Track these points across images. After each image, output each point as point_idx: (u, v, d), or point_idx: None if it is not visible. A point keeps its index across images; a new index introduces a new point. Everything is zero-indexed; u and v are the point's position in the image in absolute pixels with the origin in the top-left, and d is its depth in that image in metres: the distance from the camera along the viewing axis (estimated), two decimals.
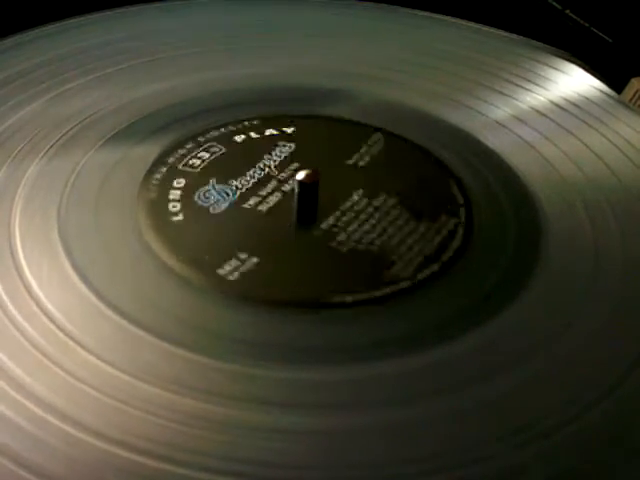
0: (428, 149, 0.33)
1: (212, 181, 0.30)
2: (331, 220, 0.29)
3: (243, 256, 0.27)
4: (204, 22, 0.41)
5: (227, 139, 0.32)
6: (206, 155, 0.31)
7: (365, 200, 0.30)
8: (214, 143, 0.32)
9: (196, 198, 0.29)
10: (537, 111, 0.36)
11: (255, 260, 0.27)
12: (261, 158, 0.31)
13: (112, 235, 0.28)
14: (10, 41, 0.38)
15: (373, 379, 0.24)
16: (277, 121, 0.33)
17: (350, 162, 0.32)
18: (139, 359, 0.24)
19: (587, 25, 0.42)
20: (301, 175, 0.28)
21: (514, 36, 0.42)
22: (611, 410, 0.23)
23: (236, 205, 0.29)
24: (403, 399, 0.23)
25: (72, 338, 0.24)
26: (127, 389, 0.23)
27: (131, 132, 0.33)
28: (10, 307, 0.25)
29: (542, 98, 0.37)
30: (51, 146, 0.32)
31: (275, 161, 0.31)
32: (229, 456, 0.22)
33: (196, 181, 0.30)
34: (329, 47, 0.39)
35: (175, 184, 0.30)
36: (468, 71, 0.38)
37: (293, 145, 0.32)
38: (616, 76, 0.38)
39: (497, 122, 0.35)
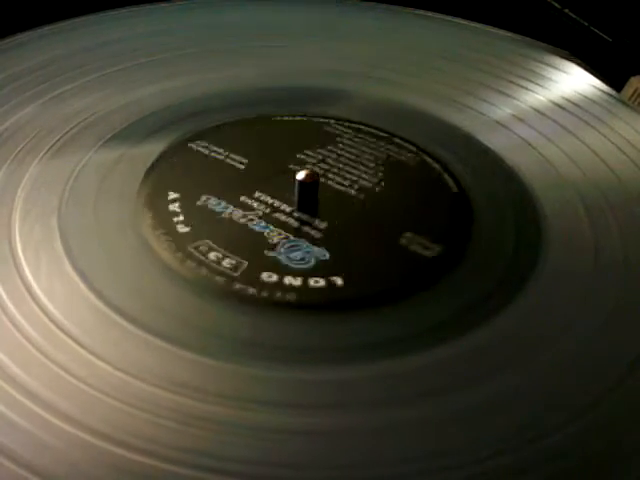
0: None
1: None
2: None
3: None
4: (204, 22, 0.41)
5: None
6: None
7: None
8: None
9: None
10: (537, 111, 0.36)
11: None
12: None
13: (112, 235, 0.28)
14: (10, 41, 0.38)
15: (374, 379, 0.24)
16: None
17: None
18: (139, 359, 0.24)
19: (586, 24, 0.42)
20: (301, 175, 0.28)
21: (514, 35, 0.42)
22: (611, 410, 0.23)
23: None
24: (403, 399, 0.24)
25: (72, 338, 0.24)
26: (127, 389, 0.23)
27: (131, 132, 0.33)
28: (10, 307, 0.25)
29: (542, 98, 0.37)
30: (51, 146, 0.32)
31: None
32: (228, 455, 0.22)
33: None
34: (329, 47, 0.39)
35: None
36: (468, 71, 0.38)
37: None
38: (615, 75, 0.38)
39: (497, 122, 0.35)
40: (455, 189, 0.31)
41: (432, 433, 0.23)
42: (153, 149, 0.32)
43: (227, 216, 0.29)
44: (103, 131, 0.33)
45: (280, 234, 0.28)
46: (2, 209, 0.29)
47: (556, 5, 0.43)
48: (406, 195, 0.30)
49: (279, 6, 0.43)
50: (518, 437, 0.22)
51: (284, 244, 0.28)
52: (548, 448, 0.22)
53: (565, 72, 0.39)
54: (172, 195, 0.29)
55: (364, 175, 0.31)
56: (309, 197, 0.29)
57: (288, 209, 0.29)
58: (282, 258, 0.27)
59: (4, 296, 0.26)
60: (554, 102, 0.37)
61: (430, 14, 0.43)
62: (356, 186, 0.30)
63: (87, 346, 0.24)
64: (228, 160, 0.31)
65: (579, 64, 0.40)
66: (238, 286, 0.26)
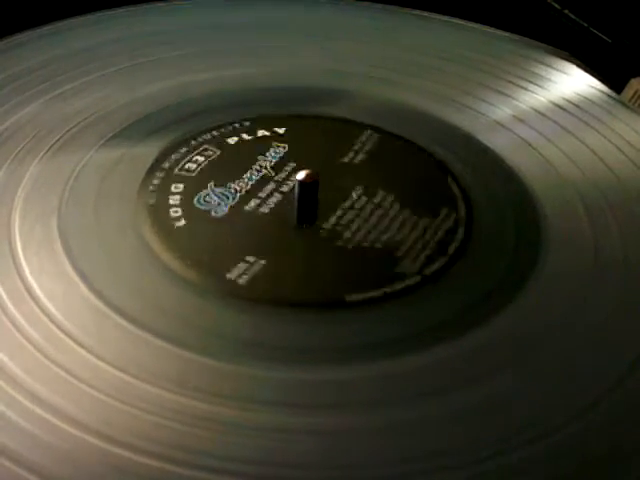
0: (428, 149, 0.33)
1: (210, 184, 0.30)
2: (333, 219, 0.29)
3: (247, 258, 0.27)
4: (203, 22, 0.41)
5: (221, 140, 0.32)
6: (201, 158, 0.31)
7: (364, 198, 0.30)
8: (208, 145, 0.32)
9: (195, 202, 0.29)
10: (537, 111, 0.36)
11: (262, 262, 0.27)
12: (256, 160, 0.31)
13: (112, 235, 0.28)
14: (10, 41, 0.38)
15: (374, 379, 0.24)
16: (268, 122, 0.33)
17: (345, 160, 0.32)
18: (139, 359, 0.24)
19: (586, 25, 0.42)
20: (301, 175, 0.28)
21: (514, 36, 0.42)
22: (611, 410, 0.23)
23: (237, 207, 0.29)
24: (403, 399, 0.24)
25: (72, 338, 0.24)
26: (127, 389, 0.23)
27: (131, 132, 0.33)
28: (10, 307, 0.25)
29: (542, 98, 0.37)
30: (51, 146, 0.32)
31: (271, 162, 0.31)
32: (230, 456, 0.22)
33: (194, 184, 0.30)
34: (329, 47, 0.39)
35: (173, 189, 0.30)
36: (468, 71, 0.38)
37: (287, 145, 0.32)
38: (615, 76, 0.38)
39: (497, 122, 0.35)
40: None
41: (432, 433, 0.23)
42: (153, 149, 0.32)
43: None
44: (103, 131, 0.33)
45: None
46: (2, 209, 0.29)
47: (556, 6, 0.43)
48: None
49: (279, 6, 0.43)
50: (518, 437, 0.22)
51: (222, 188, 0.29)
52: (548, 448, 0.22)
53: (565, 73, 0.39)
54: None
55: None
56: (309, 197, 0.29)
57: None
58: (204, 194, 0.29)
59: (4, 296, 0.26)
60: (554, 103, 0.37)
61: (430, 14, 0.43)
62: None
63: (87, 346, 0.24)
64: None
65: (579, 65, 0.40)
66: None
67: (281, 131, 0.33)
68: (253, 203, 0.29)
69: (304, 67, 0.38)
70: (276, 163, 0.31)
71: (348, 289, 0.26)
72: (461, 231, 0.29)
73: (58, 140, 0.32)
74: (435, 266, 0.27)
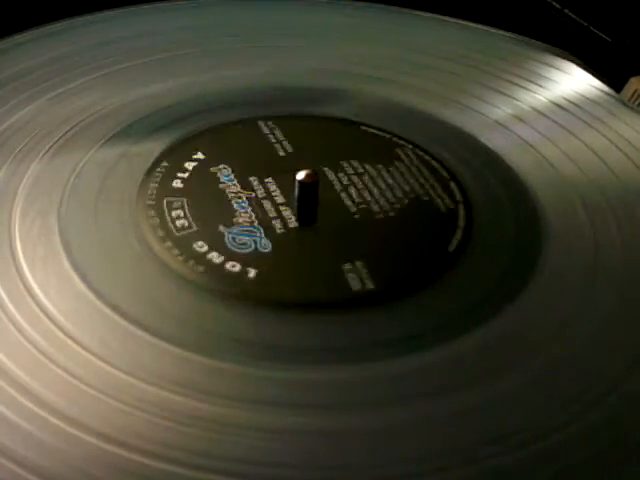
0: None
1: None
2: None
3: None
4: (203, 23, 0.41)
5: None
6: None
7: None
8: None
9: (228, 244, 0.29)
10: (537, 111, 0.36)
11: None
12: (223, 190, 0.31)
13: (112, 235, 0.28)
14: (10, 41, 0.38)
15: (373, 379, 0.24)
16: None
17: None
18: (139, 359, 0.24)
19: (586, 24, 0.42)
20: (301, 175, 0.28)
21: (514, 35, 0.42)
22: (611, 410, 0.23)
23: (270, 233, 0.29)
24: (403, 399, 0.24)
25: (72, 338, 0.24)
26: (127, 389, 0.23)
27: (131, 132, 0.33)
28: (10, 307, 0.25)
29: (542, 98, 0.37)
30: (51, 146, 0.32)
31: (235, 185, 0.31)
32: (229, 455, 0.22)
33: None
34: (329, 47, 0.39)
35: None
36: (468, 71, 0.38)
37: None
38: (615, 75, 0.38)
39: (497, 122, 0.35)
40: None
41: (432, 433, 0.23)
42: (153, 149, 0.32)
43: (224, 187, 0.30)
44: (103, 131, 0.33)
45: (250, 218, 0.29)
46: (2, 209, 0.29)
47: (556, 5, 0.43)
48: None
49: (279, 6, 0.43)
50: (518, 437, 0.22)
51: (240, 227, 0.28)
52: (548, 448, 0.22)
53: (565, 72, 0.39)
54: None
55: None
56: (309, 197, 0.29)
57: (281, 200, 0.29)
58: (228, 237, 0.28)
59: (4, 296, 0.26)
60: (554, 102, 0.37)
61: (430, 14, 0.43)
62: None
63: (87, 346, 0.24)
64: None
65: (579, 64, 0.40)
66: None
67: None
68: (278, 224, 0.29)
69: (304, 67, 0.38)
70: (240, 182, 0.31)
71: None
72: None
73: (58, 140, 0.32)
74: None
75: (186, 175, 0.30)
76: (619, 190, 0.32)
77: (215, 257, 0.27)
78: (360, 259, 0.27)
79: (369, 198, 0.30)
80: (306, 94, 0.36)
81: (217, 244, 0.27)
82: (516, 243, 0.29)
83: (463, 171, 0.32)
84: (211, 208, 0.29)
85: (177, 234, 0.28)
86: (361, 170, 0.31)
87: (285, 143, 0.32)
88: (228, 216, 0.29)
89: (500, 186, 0.32)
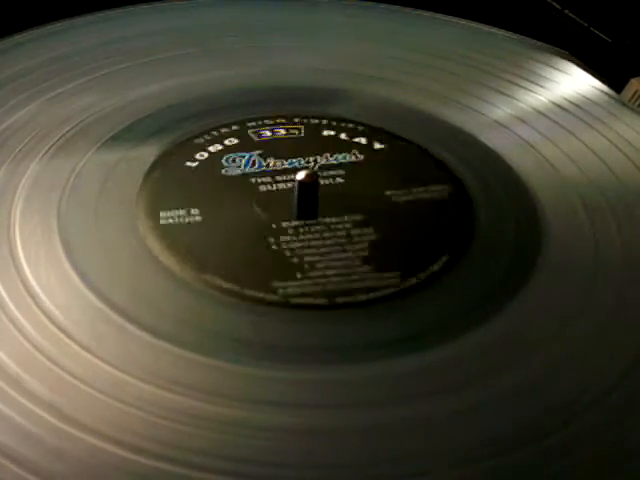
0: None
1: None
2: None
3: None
4: (203, 22, 0.41)
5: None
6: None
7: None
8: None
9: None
10: (537, 111, 0.36)
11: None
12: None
13: (112, 235, 0.28)
14: (10, 41, 0.38)
15: (374, 379, 0.24)
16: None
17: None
18: (138, 359, 0.24)
19: (586, 25, 0.42)
20: (301, 175, 0.28)
21: (514, 36, 0.42)
22: (611, 410, 0.23)
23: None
24: (403, 399, 0.24)
25: (71, 338, 0.24)
26: (126, 388, 0.23)
27: (131, 132, 0.33)
28: (10, 307, 0.25)
29: (542, 98, 0.37)
30: (51, 146, 0.32)
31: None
32: (230, 456, 0.22)
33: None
34: (329, 47, 0.39)
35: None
36: (468, 71, 0.38)
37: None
38: (615, 76, 0.38)
39: (497, 122, 0.35)
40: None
41: (432, 433, 0.23)
42: (153, 149, 0.32)
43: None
44: (103, 131, 0.33)
45: None
46: (2, 209, 0.29)
47: (556, 5, 0.43)
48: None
49: (279, 6, 0.43)
50: (518, 437, 0.22)
51: None
52: (548, 448, 0.22)
53: (565, 73, 0.39)
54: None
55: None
56: (309, 197, 0.29)
57: None
58: None
59: (4, 296, 0.26)
60: (554, 102, 0.37)
61: (430, 14, 0.43)
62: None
63: (86, 345, 0.24)
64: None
65: (579, 65, 0.40)
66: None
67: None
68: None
69: (304, 67, 0.38)
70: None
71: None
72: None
73: (58, 140, 0.32)
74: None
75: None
76: (619, 190, 0.32)
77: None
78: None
79: None
80: (306, 94, 0.36)
81: None
82: (516, 243, 0.29)
83: (463, 171, 0.32)
84: None
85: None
86: None
87: None
88: None
89: (500, 186, 0.32)
